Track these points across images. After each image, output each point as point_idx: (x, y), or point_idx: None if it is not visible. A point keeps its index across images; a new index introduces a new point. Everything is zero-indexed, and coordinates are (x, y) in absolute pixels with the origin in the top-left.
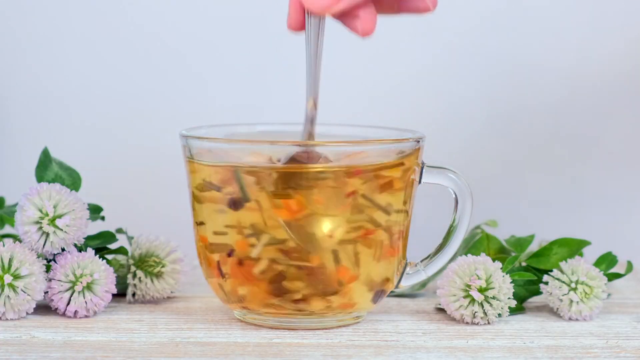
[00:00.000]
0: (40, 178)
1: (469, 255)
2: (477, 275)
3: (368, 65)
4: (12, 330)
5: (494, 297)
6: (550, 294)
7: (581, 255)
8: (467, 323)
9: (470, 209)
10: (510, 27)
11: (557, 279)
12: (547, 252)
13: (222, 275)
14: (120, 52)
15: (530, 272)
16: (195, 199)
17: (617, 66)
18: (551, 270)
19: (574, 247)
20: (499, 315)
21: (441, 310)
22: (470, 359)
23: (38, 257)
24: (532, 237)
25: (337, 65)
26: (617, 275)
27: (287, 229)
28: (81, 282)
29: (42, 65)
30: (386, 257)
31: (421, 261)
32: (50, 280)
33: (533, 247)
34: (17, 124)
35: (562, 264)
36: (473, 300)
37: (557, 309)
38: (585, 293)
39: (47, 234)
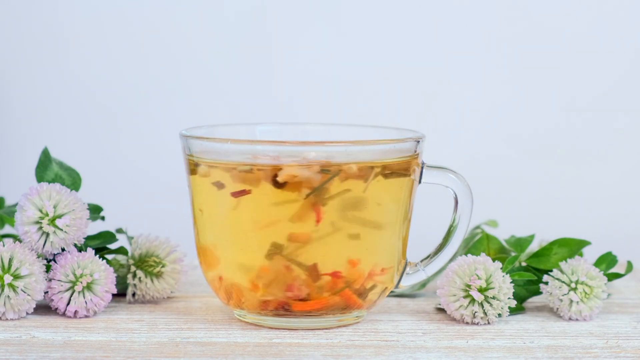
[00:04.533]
0: (40, 178)
1: (469, 255)
2: (477, 275)
3: (368, 65)
4: (12, 330)
5: (494, 297)
6: (550, 294)
7: (581, 255)
8: (467, 323)
9: (470, 209)
10: (512, 27)
11: (557, 279)
12: (547, 252)
13: None
14: (120, 52)
15: (530, 272)
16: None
17: (618, 66)
18: (551, 270)
19: (574, 247)
20: (499, 315)
21: (441, 310)
22: (470, 359)
23: (38, 257)
24: (532, 237)
25: (337, 65)
26: (617, 275)
27: None
28: (81, 282)
29: (42, 65)
30: None
31: (421, 261)
32: (50, 280)
33: (533, 247)
34: (17, 124)
35: (562, 264)
36: (473, 300)
37: (557, 309)
38: (585, 293)
39: (47, 234)
